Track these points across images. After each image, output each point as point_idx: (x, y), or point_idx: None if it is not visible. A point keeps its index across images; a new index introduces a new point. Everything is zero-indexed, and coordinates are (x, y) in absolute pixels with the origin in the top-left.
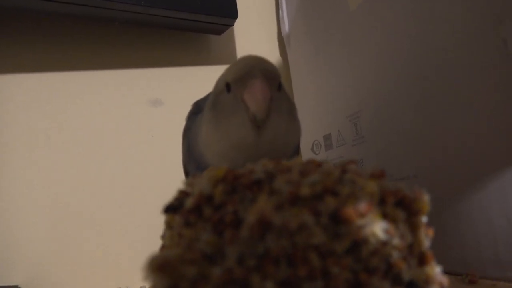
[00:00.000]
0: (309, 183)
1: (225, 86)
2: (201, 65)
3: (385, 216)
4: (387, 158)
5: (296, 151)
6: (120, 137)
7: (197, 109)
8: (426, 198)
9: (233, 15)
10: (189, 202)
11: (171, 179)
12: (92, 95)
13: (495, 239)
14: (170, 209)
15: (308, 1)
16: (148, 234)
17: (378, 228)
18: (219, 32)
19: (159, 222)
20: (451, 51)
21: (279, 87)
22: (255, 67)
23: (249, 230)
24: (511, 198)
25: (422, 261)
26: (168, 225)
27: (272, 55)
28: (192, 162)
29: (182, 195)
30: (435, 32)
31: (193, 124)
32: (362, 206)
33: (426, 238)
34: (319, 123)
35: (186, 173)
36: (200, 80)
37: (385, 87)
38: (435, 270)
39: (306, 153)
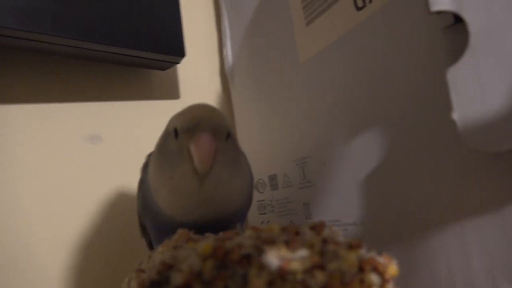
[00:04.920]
0: (298, 259)
1: (174, 132)
2: (143, 100)
3: (362, 282)
4: (335, 204)
5: (250, 196)
6: (53, 175)
7: (148, 159)
8: (394, 263)
9: (181, 53)
10: (178, 279)
11: (111, 219)
12: (25, 129)
13: (453, 285)
14: (155, 285)
15: (254, 43)
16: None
17: None
18: (164, 68)
19: (98, 266)
20: (396, 107)
21: (227, 136)
22: (204, 120)
23: None
24: (451, 250)
25: None
26: None
27: (215, 91)
28: (147, 212)
29: (165, 268)
30: (380, 90)
31: (147, 176)
32: (347, 278)
33: None
34: (264, 163)
35: (141, 225)
36: (142, 115)
37: (332, 137)
38: None
39: None
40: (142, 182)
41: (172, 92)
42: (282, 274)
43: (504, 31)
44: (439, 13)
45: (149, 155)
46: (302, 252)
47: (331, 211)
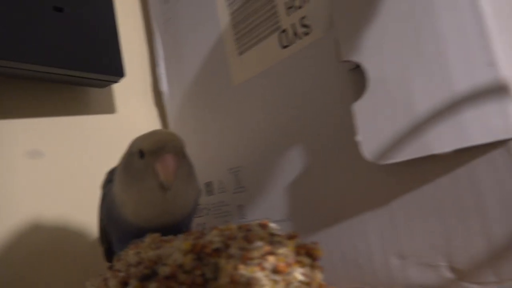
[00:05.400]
0: (255, 248)
1: (139, 153)
2: (82, 115)
3: (299, 262)
4: (265, 205)
5: (197, 203)
6: None
7: (111, 177)
8: (320, 247)
9: (120, 73)
10: (166, 271)
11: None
12: None
13: (361, 270)
14: (146, 278)
15: (188, 63)
16: None
17: (298, 273)
18: (102, 86)
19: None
20: (313, 128)
21: (184, 154)
22: (169, 143)
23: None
24: (356, 235)
25: None
26: None
27: (149, 105)
28: (112, 222)
29: (152, 264)
30: (300, 115)
31: (110, 191)
32: (289, 260)
33: (320, 273)
34: (200, 171)
35: (102, 234)
36: (81, 129)
37: (260, 150)
38: None
39: None
40: (105, 196)
41: (108, 108)
42: (244, 260)
43: (392, 80)
44: (347, 61)
45: (109, 173)
46: (257, 244)
47: (263, 211)
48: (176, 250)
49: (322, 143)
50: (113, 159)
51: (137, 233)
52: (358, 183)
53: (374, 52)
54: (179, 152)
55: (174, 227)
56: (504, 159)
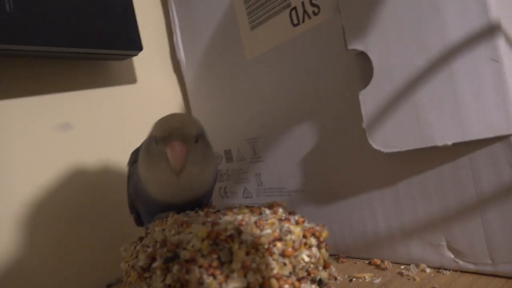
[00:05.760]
0: (265, 235)
1: (154, 138)
2: (104, 87)
3: (305, 244)
4: (280, 175)
5: (215, 179)
6: (32, 164)
7: (136, 157)
8: (326, 229)
9: (138, 47)
10: (187, 255)
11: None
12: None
13: (368, 242)
14: (169, 260)
15: (203, 36)
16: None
17: (304, 255)
18: (122, 59)
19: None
20: (322, 107)
21: (196, 139)
22: (175, 131)
23: (237, 272)
24: (378, 214)
25: (325, 266)
26: (163, 272)
27: (168, 73)
28: (139, 197)
29: (173, 247)
30: (310, 92)
31: (135, 170)
32: (296, 245)
33: (326, 253)
34: (219, 139)
35: (130, 205)
36: (106, 100)
37: (276, 121)
38: (332, 270)
39: None
40: (131, 174)
41: (130, 78)
42: (255, 246)
43: (396, 70)
44: (353, 50)
45: (133, 153)
46: (267, 230)
47: (278, 181)
48: (194, 236)
49: (332, 122)
50: (136, 127)
51: (162, 207)
52: (365, 163)
53: (379, 41)
54: (188, 138)
55: (195, 202)
56: (505, 153)
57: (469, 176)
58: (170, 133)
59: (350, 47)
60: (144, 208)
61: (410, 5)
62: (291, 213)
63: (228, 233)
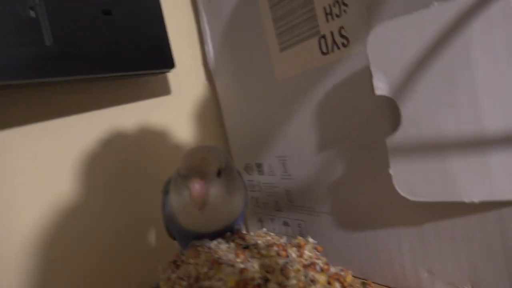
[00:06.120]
0: (290, 285)
1: (179, 173)
2: (138, 101)
3: None
4: (310, 195)
5: (245, 204)
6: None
7: (168, 187)
8: (350, 273)
9: (171, 65)
10: None
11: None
12: (55, 140)
13: (393, 272)
14: None
15: (234, 51)
16: None
17: None
18: (156, 75)
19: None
20: (349, 138)
21: (219, 173)
22: (195, 169)
23: None
24: (404, 249)
25: None
26: None
27: (201, 84)
28: (173, 225)
29: None
30: (337, 122)
31: (167, 201)
32: None
33: None
34: (252, 151)
35: (168, 231)
36: (143, 113)
37: (305, 143)
38: None
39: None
40: (165, 204)
41: (163, 90)
42: None
43: (425, 122)
44: (381, 96)
45: (166, 182)
46: (292, 281)
47: (308, 200)
48: (224, 284)
49: (360, 154)
50: (172, 138)
51: (194, 235)
52: (394, 200)
53: (407, 91)
54: (208, 176)
55: (226, 229)
56: None
57: (497, 231)
58: (191, 171)
59: (378, 92)
60: (178, 235)
61: (442, 59)
62: (317, 249)
63: (256, 283)
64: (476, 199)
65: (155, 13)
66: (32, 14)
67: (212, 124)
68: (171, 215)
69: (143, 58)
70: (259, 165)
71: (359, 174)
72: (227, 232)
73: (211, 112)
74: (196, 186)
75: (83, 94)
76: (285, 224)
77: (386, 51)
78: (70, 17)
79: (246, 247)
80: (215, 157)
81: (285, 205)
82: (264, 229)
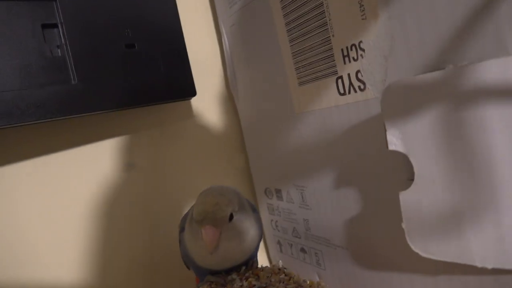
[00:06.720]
0: None
1: (193, 217)
2: (161, 127)
3: None
4: (326, 227)
5: (260, 239)
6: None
7: (183, 224)
8: None
9: (192, 93)
10: None
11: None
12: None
13: None
14: None
15: (254, 75)
16: None
17: None
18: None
19: None
20: (365, 178)
21: (231, 218)
22: (208, 215)
23: None
24: (417, 287)
25: None
26: None
27: (222, 107)
28: (189, 261)
29: None
30: (353, 160)
31: (183, 238)
32: None
33: None
34: (271, 176)
35: (186, 264)
36: (163, 140)
37: (323, 177)
38: None
39: (260, 197)
40: (181, 240)
41: (187, 116)
42: None
43: (438, 183)
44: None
45: (182, 219)
46: None
47: (324, 232)
48: None
49: (375, 199)
50: (194, 165)
51: (209, 271)
52: (407, 247)
53: (422, 149)
54: (220, 221)
55: (239, 266)
56: None
57: None
58: (203, 218)
59: (391, 148)
60: (194, 269)
61: (457, 121)
62: None
63: None
64: (489, 265)
65: (178, 43)
66: (58, 53)
67: (235, 149)
68: (186, 252)
69: (166, 89)
70: (278, 191)
71: (374, 216)
72: (243, 266)
73: (234, 137)
74: (209, 232)
75: (107, 122)
76: (303, 251)
77: (401, 108)
78: (94, 55)
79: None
80: (228, 202)
81: (303, 233)
82: (280, 263)
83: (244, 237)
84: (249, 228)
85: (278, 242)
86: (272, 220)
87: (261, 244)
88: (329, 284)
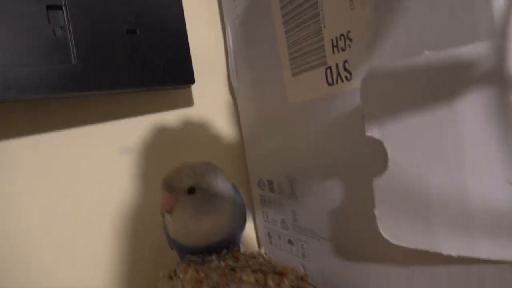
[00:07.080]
0: None
1: None
2: (163, 111)
3: None
4: (312, 219)
5: (236, 225)
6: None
7: None
8: None
9: (191, 81)
10: None
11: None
12: (76, 149)
13: None
14: None
15: (253, 67)
16: None
17: None
18: (178, 89)
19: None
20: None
21: (191, 191)
22: (167, 181)
23: None
24: (392, 279)
25: None
26: None
27: (223, 97)
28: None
29: None
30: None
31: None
32: None
33: None
34: (265, 167)
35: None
36: (162, 126)
37: (311, 168)
38: None
39: (254, 188)
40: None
41: (186, 102)
42: None
43: (410, 171)
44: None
45: None
46: None
47: (310, 224)
48: None
49: (356, 188)
50: (193, 150)
51: (189, 250)
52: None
53: (396, 137)
54: (176, 190)
55: (220, 245)
56: None
57: (475, 284)
58: (163, 182)
59: (368, 133)
60: (176, 249)
61: (429, 109)
62: (303, 278)
63: None
64: (454, 253)
65: (179, 31)
66: (61, 34)
67: (232, 139)
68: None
69: (164, 75)
70: (270, 182)
71: (355, 206)
72: (223, 248)
73: (232, 126)
74: (162, 197)
75: (108, 105)
76: (290, 242)
77: (378, 94)
78: (95, 37)
79: (233, 269)
80: (193, 175)
81: (291, 225)
82: (263, 250)
83: (205, 214)
84: (214, 208)
85: (268, 234)
86: (263, 212)
87: (253, 236)
88: (312, 276)
